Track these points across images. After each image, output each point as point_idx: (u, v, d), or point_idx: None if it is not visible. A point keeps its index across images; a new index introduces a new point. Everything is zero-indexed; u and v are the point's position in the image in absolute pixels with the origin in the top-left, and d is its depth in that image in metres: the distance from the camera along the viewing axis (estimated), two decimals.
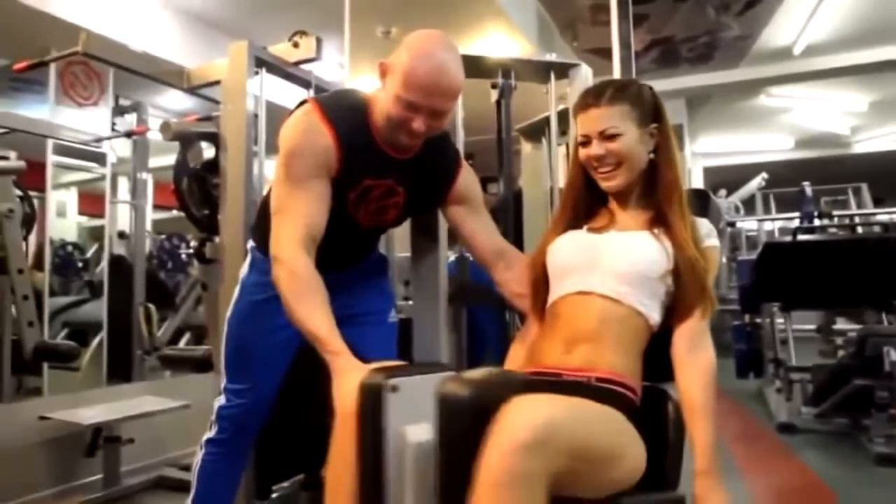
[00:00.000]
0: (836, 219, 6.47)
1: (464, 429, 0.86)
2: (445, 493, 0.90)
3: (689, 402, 1.18)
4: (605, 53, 2.80)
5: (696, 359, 1.20)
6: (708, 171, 9.94)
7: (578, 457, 0.95)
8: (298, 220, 1.29)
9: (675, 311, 1.23)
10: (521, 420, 0.89)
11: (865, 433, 3.31)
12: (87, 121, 3.40)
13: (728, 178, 9.03)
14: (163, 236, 4.47)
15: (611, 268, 1.23)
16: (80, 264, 3.94)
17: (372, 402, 0.93)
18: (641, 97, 1.29)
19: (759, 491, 2.80)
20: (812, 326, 5.45)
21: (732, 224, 8.03)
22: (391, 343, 1.64)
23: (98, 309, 3.47)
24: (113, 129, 3.61)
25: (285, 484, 2.11)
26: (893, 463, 2.99)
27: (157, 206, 4.36)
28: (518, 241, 1.99)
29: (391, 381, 0.94)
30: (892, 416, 3.25)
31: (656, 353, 1.23)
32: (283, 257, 1.27)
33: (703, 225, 1.30)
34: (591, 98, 1.29)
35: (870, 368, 3.12)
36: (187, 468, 1.66)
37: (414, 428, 0.94)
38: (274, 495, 2.07)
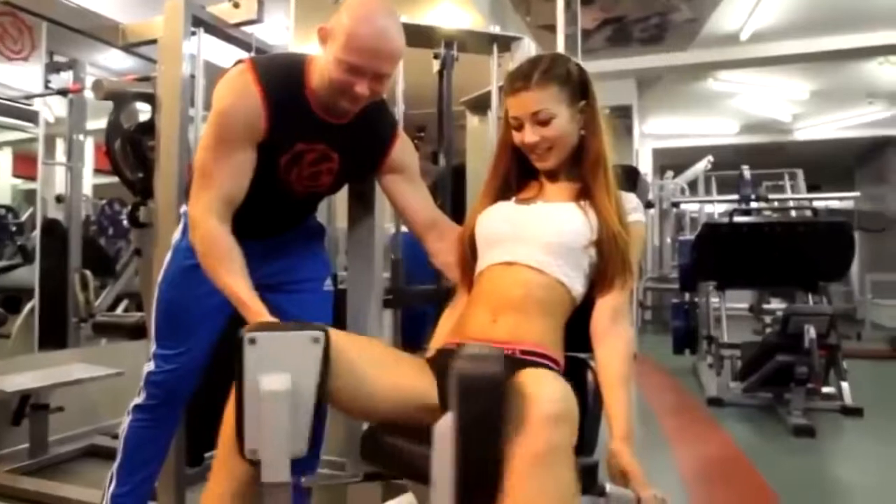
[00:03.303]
0: (775, 203, 6.74)
1: (491, 407, 0.87)
2: (471, 471, 0.91)
3: (610, 373, 1.21)
4: None
5: (616, 332, 1.24)
6: (657, 153, 10.15)
7: (575, 428, 0.99)
8: (217, 186, 1.31)
9: (596, 283, 1.27)
10: (550, 393, 0.94)
11: (786, 406, 3.50)
12: (17, 76, 3.24)
13: (676, 160, 9.26)
14: (104, 201, 4.32)
15: (536, 238, 1.26)
16: (13, 228, 3.79)
17: (236, 353, 1.01)
18: (569, 75, 1.29)
19: (683, 460, 2.94)
20: (746, 305, 5.70)
21: (677, 205, 8.27)
22: (326, 310, 1.65)
23: (31, 274, 3.34)
24: (46, 87, 3.44)
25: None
26: (808, 433, 3.17)
27: (99, 171, 4.19)
28: (459, 215, 2.00)
29: (249, 334, 1.01)
30: (810, 391, 3.45)
31: (576, 324, 1.27)
32: (200, 222, 1.31)
33: (630, 200, 1.33)
34: (520, 81, 1.28)
35: (792, 345, 3.29)
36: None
37: (268, 377, 1.00)
38: (206, 462, 2.07)
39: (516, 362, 1.16)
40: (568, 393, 0.99)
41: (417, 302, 2.05)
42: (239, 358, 1.01)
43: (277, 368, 1.01)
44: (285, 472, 1.02)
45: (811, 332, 3.19)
